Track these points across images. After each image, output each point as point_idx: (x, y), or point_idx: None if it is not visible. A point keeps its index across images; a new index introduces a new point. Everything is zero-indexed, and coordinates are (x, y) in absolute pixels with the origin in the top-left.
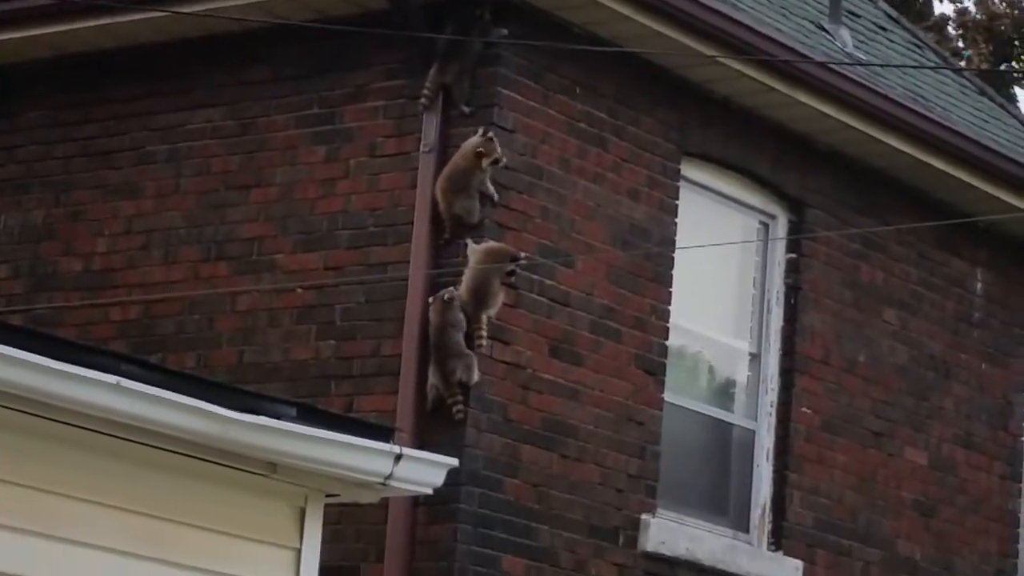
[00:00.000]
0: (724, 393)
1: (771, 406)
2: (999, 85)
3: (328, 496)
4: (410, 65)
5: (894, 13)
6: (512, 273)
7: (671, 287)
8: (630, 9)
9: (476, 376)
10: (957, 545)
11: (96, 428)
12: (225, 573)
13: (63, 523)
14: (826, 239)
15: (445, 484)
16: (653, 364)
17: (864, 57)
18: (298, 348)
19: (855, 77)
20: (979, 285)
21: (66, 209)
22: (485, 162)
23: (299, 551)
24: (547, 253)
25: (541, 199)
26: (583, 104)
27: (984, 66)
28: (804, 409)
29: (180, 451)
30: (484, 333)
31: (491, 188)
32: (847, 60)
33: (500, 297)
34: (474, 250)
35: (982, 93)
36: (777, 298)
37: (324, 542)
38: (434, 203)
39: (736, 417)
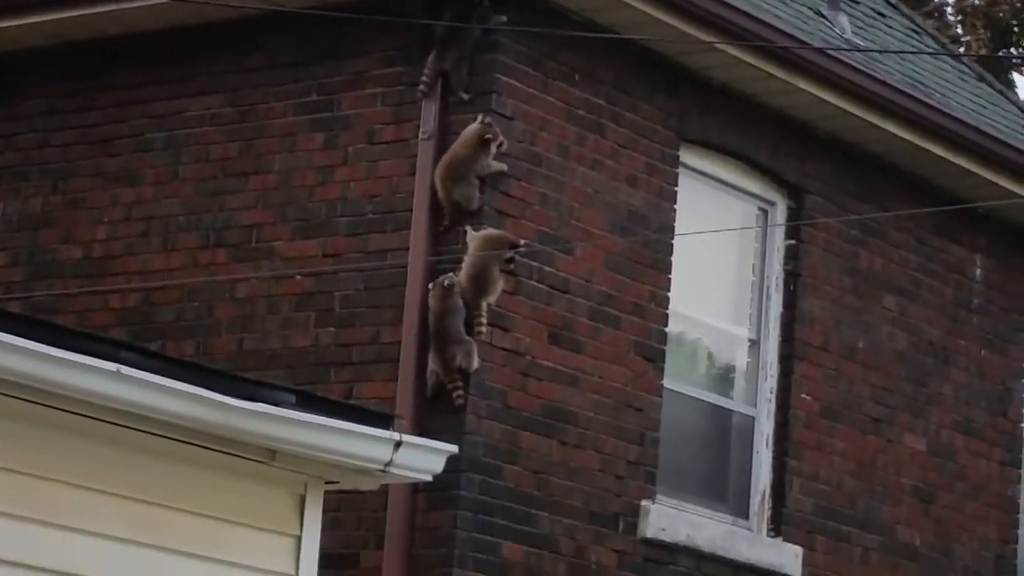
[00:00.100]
0: (723, 379)
1: (770, 392)
2: (998, 71)
3: (328, 483)
4: (408, 52)
5: None
6: (511, 260)
7: (670, 274)
8: None
9: (476, 363)
10: (956, 531)
11: (96, 416)
12: (225, 560)
13: (63, 511)
14: (825, 225)
15: (445, 471)
16: (652, 351)
17: (863, 43)
18: (297, 335)
19: (854, 63)
20: (978, 271)
21: (65, 197)
22: (494, 147)
23: (299, 538)
24: (546, 240)
25: (540, 186)
26: (582, 91)
27: (983, 51)
28: (803, 395)
29: (180, 438)
30: (484, 320)
31: (496, 165)
32: (846, 46)
33: (499, 284)
34: (473, 237)
35: (981, 79)
36: (776, 284)
37: (324, 529)
38: (433, 190)
39: (735, 403)
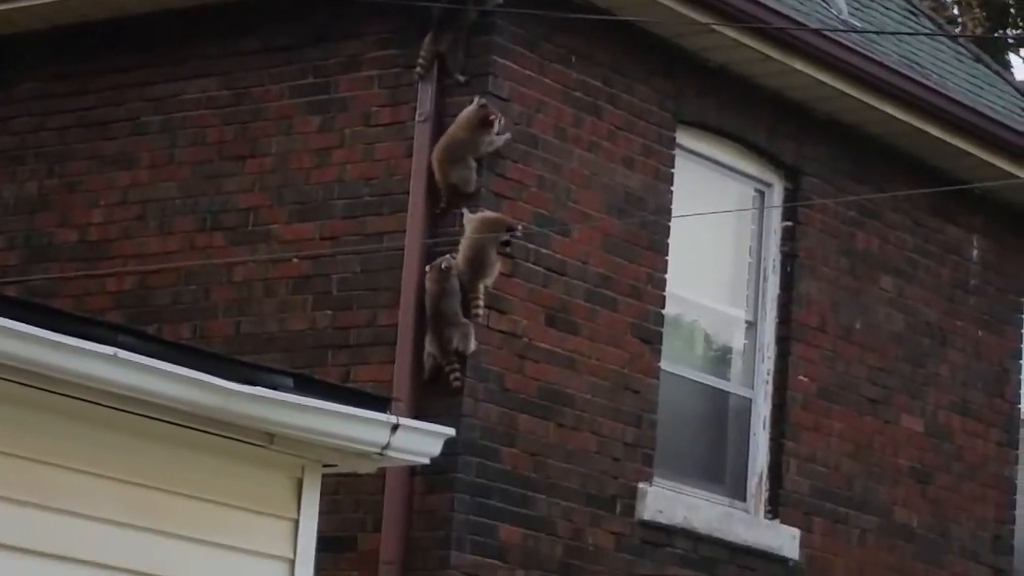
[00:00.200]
0: (720, 361)
1: (767, 374)
2: (994, 52)
3: (325, 466)
4: (404, 34)
5: None
6: (508, 243)
7: (667, 255)
8: None
9: (473, 345)
10: (954, 512)
11: (93, 399)
12: (222, 544)
13: (60, 494)
14: (822, 207)
15: (442, 454)
16: (649, 332)
17: (860, 24)
18: (294, 318)
19: (851, 44)
20: (975, 252)
21: (61, 180)
22: (497, 126)
23: (296, 521)
24: (543, 222)
25: (537, 168)
26: (578, 73)
27: (979, 32)
28: (800, 377)
29: (177, 422)
30: (481, 302)
31: (500, 139)
32: (843, 27)
33: (496, 266)
34: (470, 219)
35: (978, 60)
36: (773, 266)
37: (321, 512)
38: (430, 173)
39: (732, 385)
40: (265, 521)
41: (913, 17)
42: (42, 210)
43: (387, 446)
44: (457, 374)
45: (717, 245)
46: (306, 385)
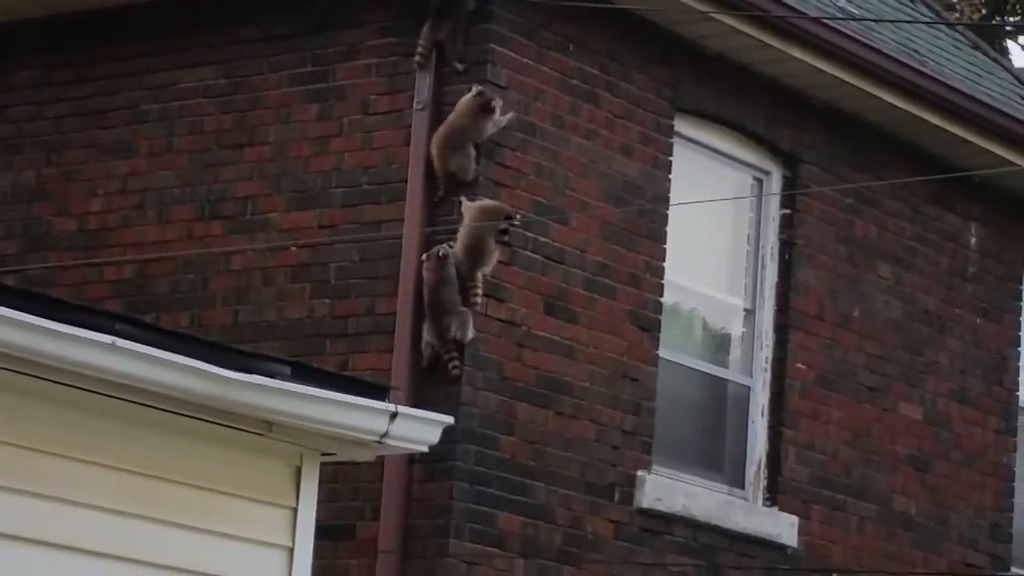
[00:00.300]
0: (719, 349)
1: (766, 362)
2: (992, 39)
3: (324, 455)
4: (402, 22)
5: None
6: (506, 231)
7: (665, 244)
8: None
9: (471, 333)
10: (952, 500)
11: (90, 388)
12: (221, 532)
13: (58, 483)
14: (820, 195)
15: (441, 442)
16: (648, 320)
17: (857, 12)
18: (293, 307)
19: (849, 32)
20: (973, 240)
21: (59, 169)
22: (498, 111)
23: (295, 510)
24: (541, 210)
25: (535, 156)
26: (576, 61)
27: (975, 17)
28: (799, 365)
29: (175, 410)
30: (479, 291)
31: (502, 121)
32: (840, 15)
33: (495, 255)
34: (468, 208)
35: (975, 47)
36: (771, 254)
37: (320, 501)
38: (428, 161)
39: (731, 373)
40: (263, 509)
41: (911, 4)
42: (40, 199)
43: (386, 434)
44: (456, 362)
45: (715, 233)
46: (304, 373)
